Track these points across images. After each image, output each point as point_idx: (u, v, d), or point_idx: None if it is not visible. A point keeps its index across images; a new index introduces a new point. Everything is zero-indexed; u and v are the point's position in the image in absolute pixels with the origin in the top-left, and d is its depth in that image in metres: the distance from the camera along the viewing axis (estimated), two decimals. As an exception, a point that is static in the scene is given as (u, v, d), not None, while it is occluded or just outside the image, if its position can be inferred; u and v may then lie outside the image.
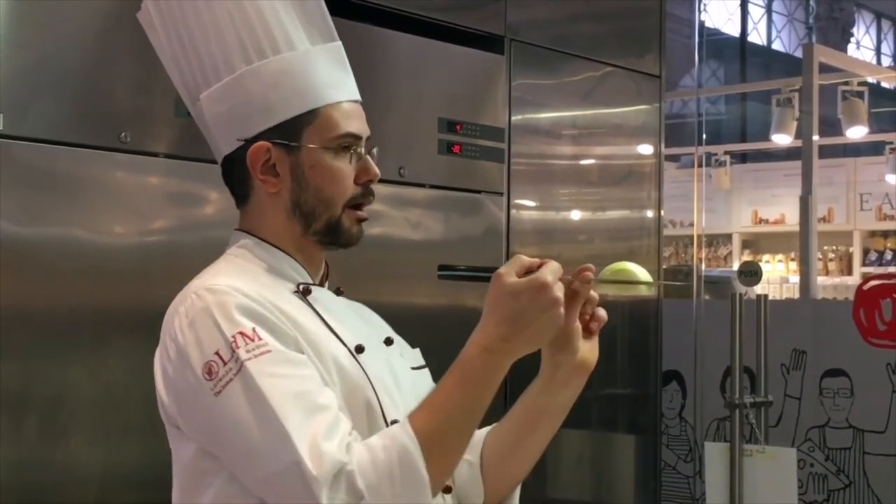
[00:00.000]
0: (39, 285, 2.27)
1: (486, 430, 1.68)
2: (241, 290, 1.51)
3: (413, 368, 1.69)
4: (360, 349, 1.56)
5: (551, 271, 1.45)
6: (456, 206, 3.12)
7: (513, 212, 3.30)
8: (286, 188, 1.60)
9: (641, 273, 1.55)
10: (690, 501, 4.24)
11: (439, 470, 1.43)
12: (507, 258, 3.27)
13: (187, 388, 1.49)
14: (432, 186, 3.04)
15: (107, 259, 2.36)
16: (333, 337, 1.56)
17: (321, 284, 1.67)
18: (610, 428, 3.77)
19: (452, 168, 3.09)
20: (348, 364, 1.53)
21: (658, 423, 4.00)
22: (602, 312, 1.60)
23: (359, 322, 1.66)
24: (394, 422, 1.51)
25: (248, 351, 1.45)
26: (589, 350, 1.61)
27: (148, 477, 2.29)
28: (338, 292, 1.70)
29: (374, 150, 1.65)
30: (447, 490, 1.60)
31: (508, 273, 1.45)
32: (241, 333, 1.46)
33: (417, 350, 1.75)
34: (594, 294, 1.57)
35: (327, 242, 1.63)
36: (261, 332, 1.47)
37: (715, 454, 3.40)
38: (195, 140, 2.46)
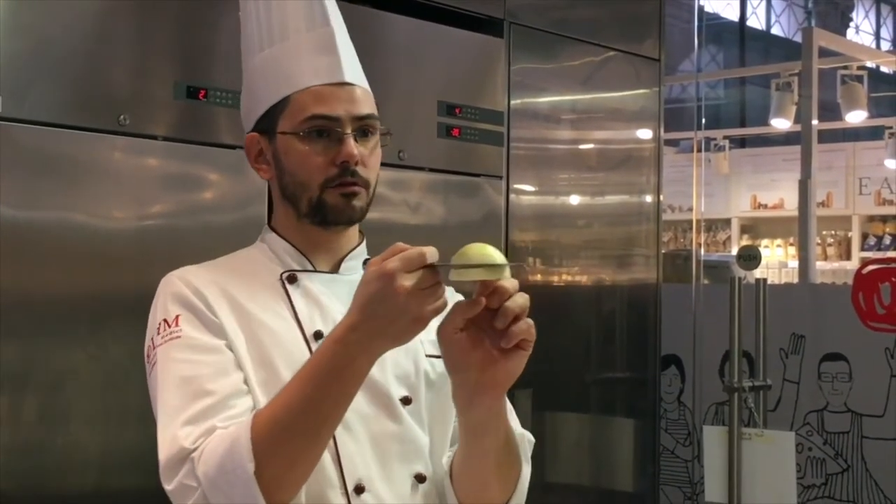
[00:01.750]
0: (38, 269, 2.27)
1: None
2: (186, 278, 1.58)
3: (430, 356, 1.64)
4: (318, 335, 1.56)
5: (401, 258, 1.33)
6: (455, 190, 3.11)
7: (512, 196, 3.30)
8: (274, 176, 1.65)
9: (493, 253, 1.36)
10: (689, 485, 4.25)
11: (276, 464, 1.38)
12: (507, 242, 3.28)
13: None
14: (431, 170, 3.04)
15: (106, 242, 2.35)
16: (294, 323, 1.57)
17: (336, 268, 1.65)
18: (608, 412, 3.78)
19: (452, 151, 3.08)
20: (295, 350, 1.54)
21: (657, 408, 4.01)
22: (521, 327, 1.39)
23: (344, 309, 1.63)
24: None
25: (162, 337, 1.54)
26: (499, 368, 1.41)
27: (147, 461, 2.26)
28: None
29: (376, 133, 1.63)
30: (421, 479, 1.59)
31: (375, 261, 1.37)
32: (165, 320, 1.55)
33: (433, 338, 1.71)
34: (509, 304, 1.37)
35: (319, 222, 1.63)
36: (183, 318, 1.53)
37: (713, 438, 3.41)
38: (194, 123, 2.48)
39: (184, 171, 2.49)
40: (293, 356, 1.53)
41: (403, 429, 1.57)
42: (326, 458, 1.50)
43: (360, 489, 1.52)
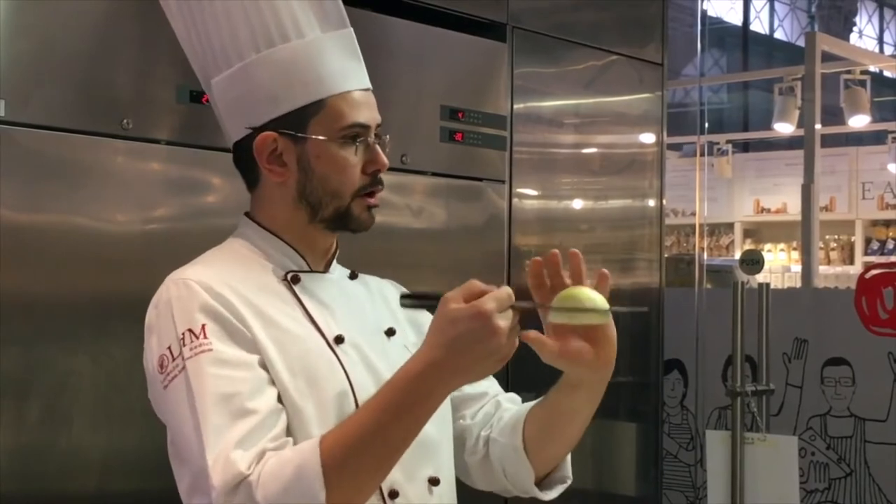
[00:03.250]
0: (41, 272, 2.27)
1: (527, 408, 1.68)
2: (205, 283, 1.51)
3: None
4: (339, 339, 1.56)
5: (494, 298, 1.36)
6: (458, 194, 3.11)
7: (515, 200, 3.30)
8: (293, 178, 1.60)
9: (597, 298, 1.45)
10: (692, 490, 4.24)
11: (344, 491, 1.38)
12: (510, 247, 3.28)
13: (149, 377, 1.55)
14: (434, 174, 3.04)
15: (109, 245, 2.35)
16: (312, 328, 1.56)
17: (326, 268, 1.66)
18: (611, 416, 3.77)
19: (454, 156, 3.08)
20: (321, 356, 1.53)
21: (659, 412, 4.00)
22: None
23: (353, 310, 1.64)
24: None
25: (191, 349, 1.47)
26: (597, 353, 1.57)
27: (149, 463, 2.28)
28: (352, 276, 1.70)
29: (386, 138, 1.64)
30: (434, 482, 1.60)
31: (455, 298, 1.38)
32: (190, 330, 1.48)
33: None
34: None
35: (336, 228, 1.62)
36: (209, 329, 1.48)
37: (716, 442, 3.40)
38: (197, 127, 2.48)
39: (187, 174, 2.49)
40: (322, 362, 1.52)
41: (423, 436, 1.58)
42: None
43: (394, 494, 1.53)
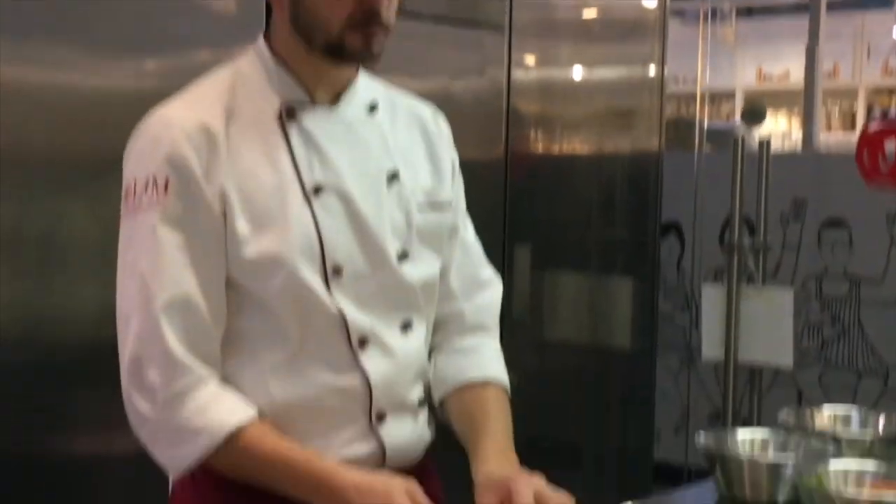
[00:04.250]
0: (35, 125, 2.26)
1: (451, 386, 1.66)
2: (185, 127, 1.48)
3: (422, 207, 1.61)
4: (317, 189, 1.52)
5: None
6: (458, 47, 3.08)
7: (514, 68, 3.27)
8: (286, 4, 1.54)
9: None
10: (686, 350, 4.30)
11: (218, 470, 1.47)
12: (508, 114, 3.26)
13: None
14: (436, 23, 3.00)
15: (104, 97, 2.34)
16: (292, 174, 1.51)
17: (335, 100, 1.58)
18: (607, 271, 3.80)
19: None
20: (291, 206, 1.50)
21: (655, 273, 4.03)
22: None
23: (354, 153, 1.57)
24: (335, 268, 1.50)
25: (148, 199, 1.46)
26: None
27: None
28: (371, 108, 1.62)
29: None
30: (409, 325, 1.59)
31: (402, 494, 1.42)
32: (155, 178, 1.47)
33: (446, 184, 1.67)
34: None
35: (335, 60, 1.55)
36: (172, 186, 1.46)
37: (712, 296, 3.43)
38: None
39: (181, 28, 2.46)
40: (291, 214, 1.50)
41: (397, 283, 1.57)
42: (332, 316, 1.51)
43: (363, 342, 1.53)
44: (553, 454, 3.42)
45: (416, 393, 1.61)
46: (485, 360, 1.69)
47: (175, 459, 1.47)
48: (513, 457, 1.58)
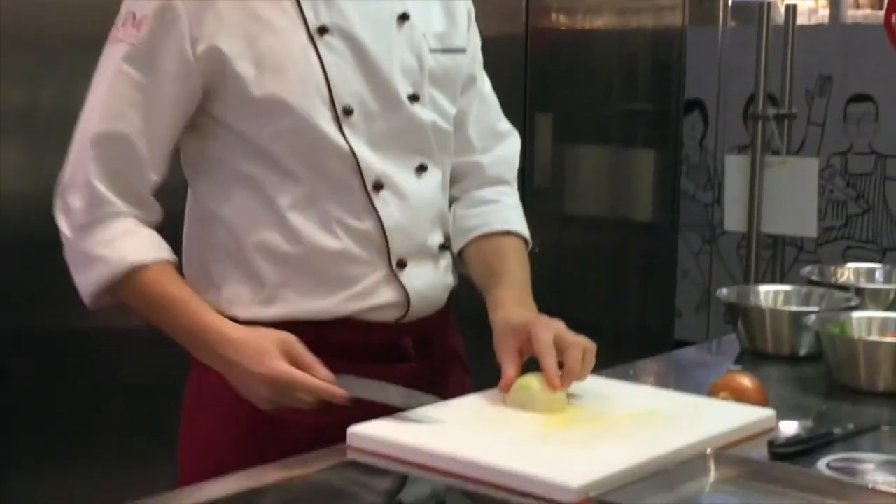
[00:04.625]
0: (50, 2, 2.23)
1: (470, 236, 1.66)
2: None
3: (434, 51, 1.58)
4: (322, 30, 1.49)
5: (297, 387, 1.39)
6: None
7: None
8: None
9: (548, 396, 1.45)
10: (708, 229, 4.27)
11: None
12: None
13: None
14: None
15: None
16: (297, 17, 1.49)
17: None
18: (630, 145, 3.77)
19: None
20: (294, 48, 1.47)
21: (678, 151, 3.99)
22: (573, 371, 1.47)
23: None
24: (345, 109, 1.48)
25: (125, 31, 1.46)
26: None
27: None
28: None
29: None
30: (424, 168, 1.57)
31: (277, 355, 1.41)
32: (133, 15, 1.46)
33: (461, 30, 1.64)
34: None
35: None
36: (152, 25, 1.45)
37: (735, 167, 3.39)
38: None
39: None
40: (295, 55, 1.47)
41: (410, 124, 1.55)
42: (344, 157, 1.49)
43: (378, 186, 1.52)
44: (571, 331, 3.43)
45: (436, 238, 1.60)
46: (505, 211, 1.68)
47: (83, 285, 1.49)
48: (530, 302, 1.58)
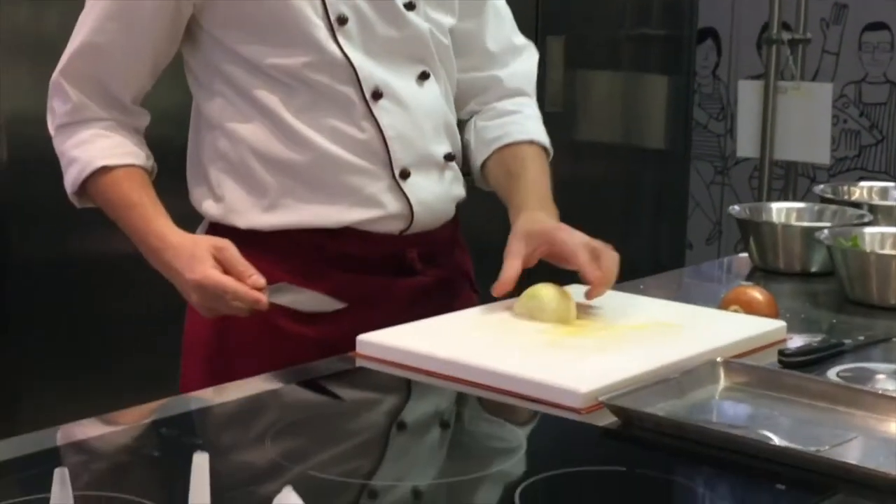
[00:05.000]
0: None
1: (494, 147, 1.66)
2: None
3: None
4: (341, 20, 1.48)
5: (227, 291, 1.39)
6: None
7: None
8: None
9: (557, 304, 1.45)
10: (720, 160, 4.24)
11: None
12: None
13: None
14: None
15: None
16: None
17: None
18: (642, 71, 3.73)
19: None
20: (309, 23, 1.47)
21: (690, 77, 3.95)
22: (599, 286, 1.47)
23: None
24: (340, 18, 1.46)
25: None
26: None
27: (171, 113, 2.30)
28: None
29: None
30: (425, 76, 1.56)
31: (210, 262, 1.41)
32: None
33: None
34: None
35: None
36: None
37: (749, 92, 3.36)
38: None
39: None
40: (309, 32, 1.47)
41: (408, 32, 1.53)
42: (341, 67, 1.48)
43: (377, 94, 1.50)
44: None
45: (441, 148, 1.58)
46: (525, 121, 1.68)
47: (66, 184, 1.54)
48: (551, 206, 1.58)
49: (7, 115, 2.26)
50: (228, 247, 1.42)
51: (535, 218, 1.53)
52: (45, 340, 2.36)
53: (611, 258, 1.48)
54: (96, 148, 1.50)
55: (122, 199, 1.50)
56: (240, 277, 1.40)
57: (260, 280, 1.40)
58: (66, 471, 0.74)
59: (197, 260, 1.41)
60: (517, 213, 1.56)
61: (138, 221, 1.48)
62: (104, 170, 1.49)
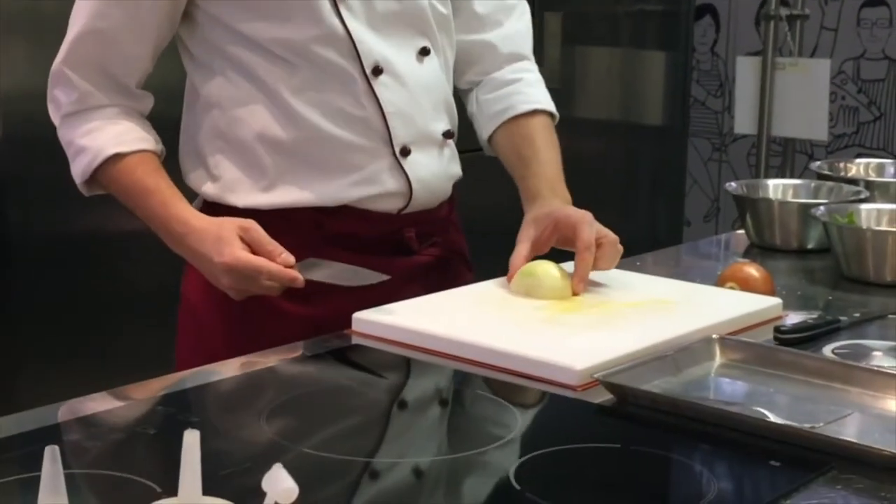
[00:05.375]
0: None
1: (502, 119, 1.65)
2: None
3: None
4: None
5: (260, 271, 1.38)
6: None
7: None
8: None
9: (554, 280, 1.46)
10: (718, 137, 4.24)
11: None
12: None
13: None
14: None
15: None
16: None
17: None
18: (639, 47, 3.72)
19: None
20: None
21: (688, 53, 3.94)
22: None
23: None
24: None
25: None
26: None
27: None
28: None
29: None
30: (425, 52, 1.55)
31: (237, 244, 1.40)
32: None
33: None
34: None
35: None
36: None
37: (747, 68, 3.35)
38: None
39: None
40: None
41: (409, 5, 1.52)
42: (342, 41, 1.47)
43: (377, 70, 1.50)
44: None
45: (440, 126, 1.58)
46: (528, 89, 1.67)
47: (73, 174, 1.51)
48: (562, 188, 1.59)
49: (3, 94, 2.25)
50: (254, 227, 1.41)
51: (547, 205, 1.54)
52: (42, 319, 2.36)
53: (611, 245, 1.48)
54: (106, 135, 1.48)
55: (137, 185, 1.48)
56: (270, 257, 1.39)
57: (290, 258, 1.39)
58: (56, 448, 0.74)
59: (224, 242, 1.40)
60: (530, 201, 1.56)
61: (157, 207, 1.46)
62: (116, 157, 1.47)
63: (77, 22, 1.48)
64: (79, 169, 1.49)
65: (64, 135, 1.50)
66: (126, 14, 1.46)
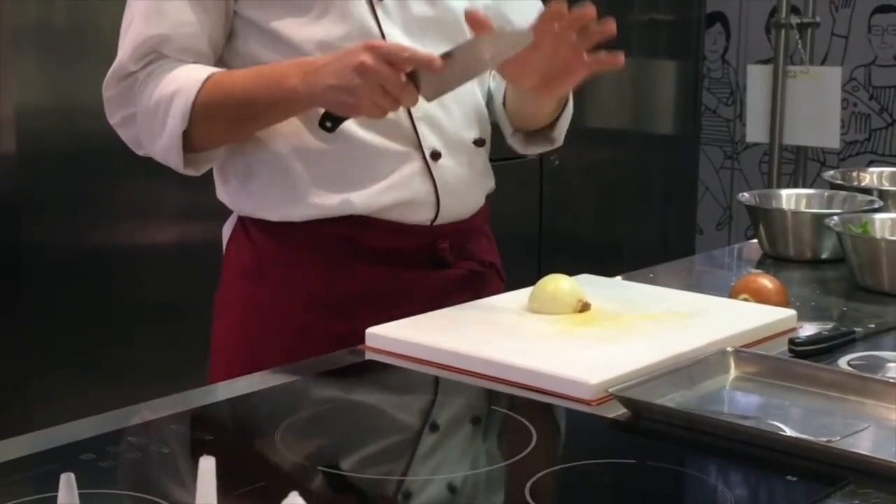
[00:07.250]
0: None
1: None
2: None
3: None
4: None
5: (381, 45, 1.34)
6: None
7: None
8: None
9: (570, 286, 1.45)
10: (730, 144, 4.23)
11: (201, 137, 1.46)
12: None
13: None
14: None
15: None
16: None
17: None
18: (651, 56, 3.71)
19: None
20: None
21: (699, 65, 3.94)
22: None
23: None
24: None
25: None
26: (558, 84, 1.47)
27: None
28: None
29: None
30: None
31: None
32: None
33: None
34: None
35: None
36: None
37: (758, 77, 3.34)
38: None
39: None
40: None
41: (444, 12, 1.52)
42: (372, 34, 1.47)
43: (411, 75, 1.49)
44: (592, 248, 3.43)
45: (471, 133, 1.57)
46: None
47: (169, 131, 1.45)
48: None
49: (16, 108, 2.26)
50: (380, 42, 1.38)
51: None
52: (54, 332, 2.37)
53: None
54: (190, 71, 1.45)
55: (243, 78, 1.44)
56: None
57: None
58: (72, 476, 0.73)
59: (356, 51, 1.35)
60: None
61: (273, 71, 1.42)
62: (210, 79, 1.44)
63: (126, 29, 1.47)
64: (176, 116, 1.43)
65: (143, 102, 1.46)
66: (182, 13, 1.45)
